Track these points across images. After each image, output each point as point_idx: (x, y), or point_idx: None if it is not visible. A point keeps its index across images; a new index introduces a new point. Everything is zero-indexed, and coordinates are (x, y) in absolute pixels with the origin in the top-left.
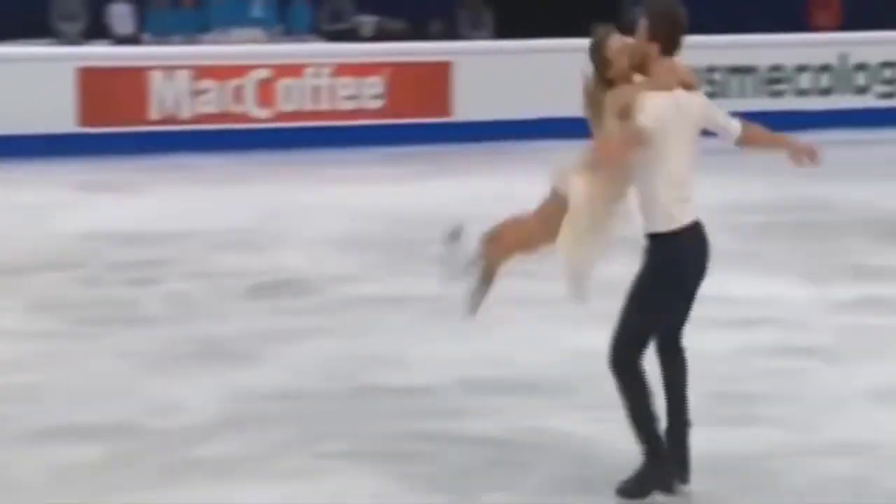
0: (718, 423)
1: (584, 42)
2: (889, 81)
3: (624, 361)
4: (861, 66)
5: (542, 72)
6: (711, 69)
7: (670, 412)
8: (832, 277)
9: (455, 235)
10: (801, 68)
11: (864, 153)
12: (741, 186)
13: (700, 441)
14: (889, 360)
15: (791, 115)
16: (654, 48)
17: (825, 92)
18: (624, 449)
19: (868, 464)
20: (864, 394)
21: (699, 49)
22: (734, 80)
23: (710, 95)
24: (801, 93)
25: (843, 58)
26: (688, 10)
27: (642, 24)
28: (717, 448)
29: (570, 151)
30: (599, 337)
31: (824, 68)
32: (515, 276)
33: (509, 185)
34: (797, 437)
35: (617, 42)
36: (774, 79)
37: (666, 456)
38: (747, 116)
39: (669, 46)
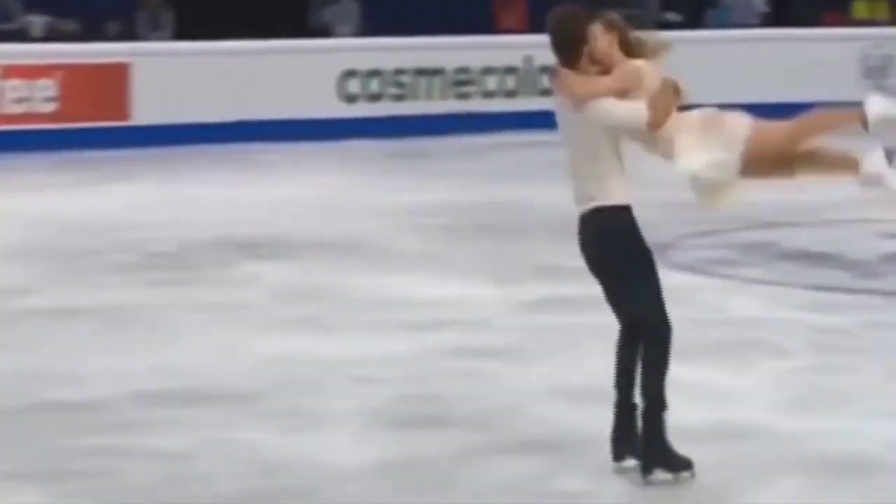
0: (405, 426)
1: (272, 44)
2: None
3: None
4: (546, 69)
5: (226, 74)
6: (399, 71)
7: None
8: (516, 278)
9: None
10: (488, 70)
11: (550, 154)
12: (425, 189)
13: (386, 444)
14: (571, 360)
15: (478, 117)
16: None
17: (511, 94)
18: (315, 458)
19: (550, 463)
20: (547, 393)
21: (385, 51)
22: (421, 82)
23: (398, 98)
24: (488, 95)
25: (528, 60)
26: (370, 14)
27: None
28: (403, 450)
29: (265, 154)
30: (284, 343)
31: (510, 70)
32: (195, 283)
33: (190, 190)
34: (481, 437)
35: None
36: (461, 81)
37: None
38: (434, 118)
39: None
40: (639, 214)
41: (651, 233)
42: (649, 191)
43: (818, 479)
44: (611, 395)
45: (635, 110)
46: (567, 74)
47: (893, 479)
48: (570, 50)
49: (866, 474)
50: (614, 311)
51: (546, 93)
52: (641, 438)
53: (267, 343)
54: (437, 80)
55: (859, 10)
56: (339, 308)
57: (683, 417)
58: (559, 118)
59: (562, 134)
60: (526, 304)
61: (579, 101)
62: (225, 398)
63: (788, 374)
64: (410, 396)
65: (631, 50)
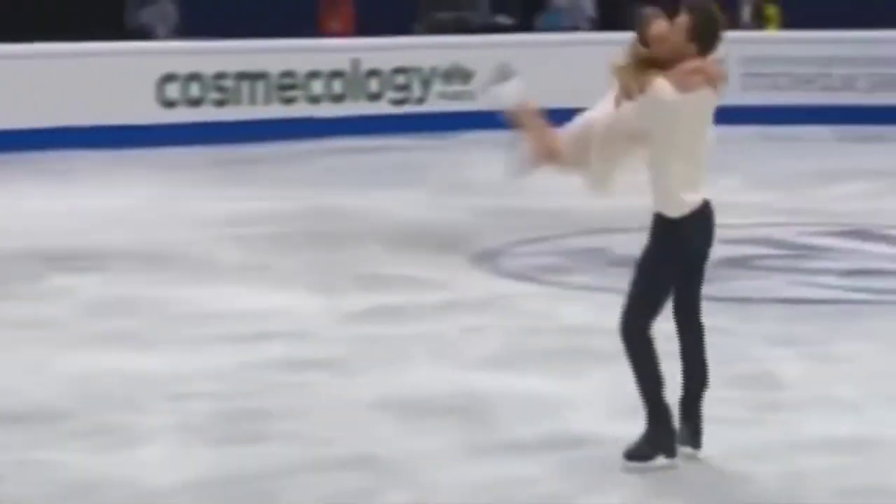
0: (227, 441)
1: (86, 46)
2: (401, 87)
3: (635, 331)
4: (373, 73)
5: (37, 78)
6: (220, 75)
7: (686, 380)
8: (343, 288)
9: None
10: (314, 74)
11: (378, 160)
12: (248, 197)
13: (205, 461)
14: (398, 371)
15: (304, 123)
16: (691, 48)
17: (338, 98)
18: (129, 478)
19: (376, 477)
20: (374, 405)
21: (205, 54)
22: (244, 87)
23: (220, 103)
24: (314, 99)
25: (355, 64)
26: (189, 15)
27: (683, 21)
28: (223, 468)
29: (79, 162)
30: (97, 359)
31: (336, 74)
32: (2, 298)
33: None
34: (306, 452)
35: (659, 27)
36: (286, 85)
37: (670, 421)
38: (259, 124)
39: (707, 48)
40: (469, 222)
41: (480, 240)
42: (479, 198)
43: (650, 485)
44: (436, 406)
45: None
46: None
47: (722, 485)
48: (717, 40)
49: (696, 480)
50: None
51: (374, 97)
52: (694, 416)
53: (79, 359)
54: (260, 85)
55: None
56: (157, 322)
57: (515, 427)
58: (700, 108)
59: (696, 123)
60: (353, 315)
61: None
62: (34, 417)
63: (620, 382)
64: (231, 411)
65: None
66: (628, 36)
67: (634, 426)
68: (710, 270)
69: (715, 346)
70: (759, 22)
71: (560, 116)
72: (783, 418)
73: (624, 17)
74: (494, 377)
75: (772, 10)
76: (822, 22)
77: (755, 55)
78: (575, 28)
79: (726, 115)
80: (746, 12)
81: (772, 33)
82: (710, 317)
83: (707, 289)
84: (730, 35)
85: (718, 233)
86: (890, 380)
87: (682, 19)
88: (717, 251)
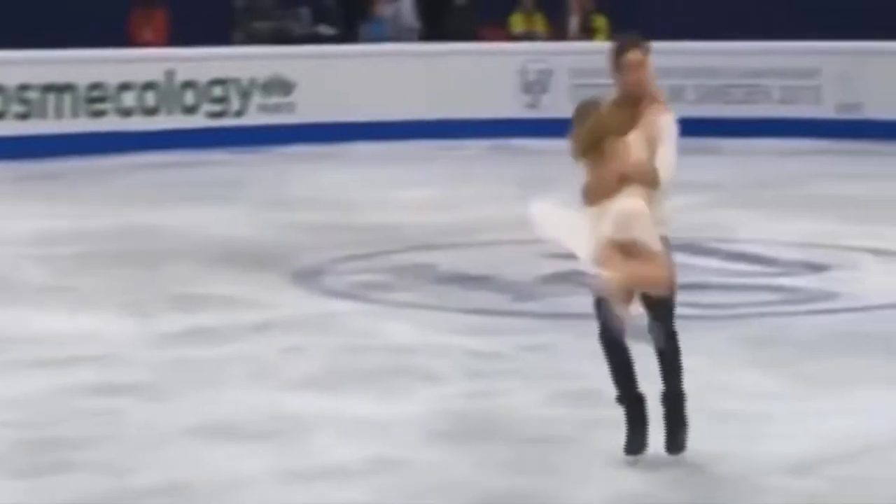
0: (30, 472)
1: None
2: (218, 100)
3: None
4: (189, 84)
5: None
6: (23, 87)
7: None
8: (155, 309)
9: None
10: (125, 86)
11: (193, 175)
12: (53, 215)
13: (10, 493)
14: (213, 394)
15: (114, 137)
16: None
17: (151, 111)
18: None
19: (187, 502)
20: (187, 431)
21: (8, 65)
22: (50, 99)
23: (23, 116)
24: (125, 112)
25: (169, 75)
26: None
27: (648, 60)
28: (29, 501)
29: None
30: None
31: (150, 86)
32: None
33: None
34: (114, 481)
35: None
36: (95, 97)
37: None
38: (66, 139)
39: None
40: (288, 239)
41: (300, 257)
42: (299, 214)
43: None
44: (253, 430)
45: None
46: None
47: None
48: None
49: (529, 500)
50: None
51: (190, 110)
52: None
53: None
54: (67, 97)
55: (516, 24)
56: None
57: (334, 451)
58: None
59: None
60: (165, 337)
61: None
62: None
63: (443, 401)
64: (31, 441)
65: None
66: (455, 47)
67: (457, 447)
68: (537, 287)
69: (542, 363)
70: (588, 33)
71: (382, 128)
72: (610, 436)
73: (446, 28)
74: (314, 399)
75: (600, 22)
76: (649, 33)
77: (583, 67)
78: (398, 38)
79: (552, 128)
80: (574, 23)
81: (600, 44)
82: (539, 334)
83: (535, 306)
84: (557, 46)
85: (547, 248)
86: (719, 395)
87: (640, 57)
88: (547, 267)
